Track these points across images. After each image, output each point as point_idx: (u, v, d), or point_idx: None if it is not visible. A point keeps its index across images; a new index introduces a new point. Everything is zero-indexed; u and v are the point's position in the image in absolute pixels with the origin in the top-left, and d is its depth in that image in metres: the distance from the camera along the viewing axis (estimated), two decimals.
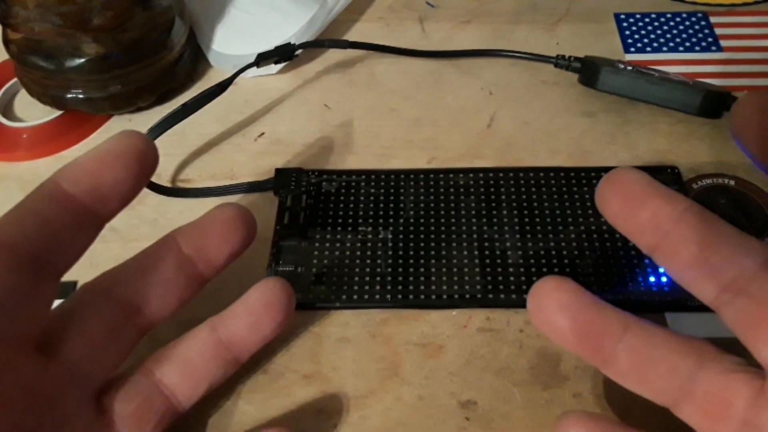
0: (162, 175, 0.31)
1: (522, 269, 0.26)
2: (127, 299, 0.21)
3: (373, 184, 0.29)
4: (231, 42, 0.36)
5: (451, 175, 0.29)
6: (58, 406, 0.19)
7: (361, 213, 0.28)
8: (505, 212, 0.28)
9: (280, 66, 0.34)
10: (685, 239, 0.18)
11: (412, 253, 0.26)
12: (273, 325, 0.22)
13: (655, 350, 0.19)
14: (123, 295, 0.21)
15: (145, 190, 0.29)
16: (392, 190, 0.29)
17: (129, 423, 0.20)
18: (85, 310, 0.20)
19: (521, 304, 0.25)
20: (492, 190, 0.28)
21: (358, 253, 0.27)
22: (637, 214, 0.19)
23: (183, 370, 0.21)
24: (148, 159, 0.20)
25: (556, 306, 0.19)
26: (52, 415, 0.18)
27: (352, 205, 0.28)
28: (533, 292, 0.20)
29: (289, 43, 0.33)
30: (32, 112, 0.34)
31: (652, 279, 0.25)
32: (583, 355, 0.20)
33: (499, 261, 0.26)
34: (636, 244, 0.20)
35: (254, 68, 0.33)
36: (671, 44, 0.36)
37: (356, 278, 0.26)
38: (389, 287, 0.25)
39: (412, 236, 0.27)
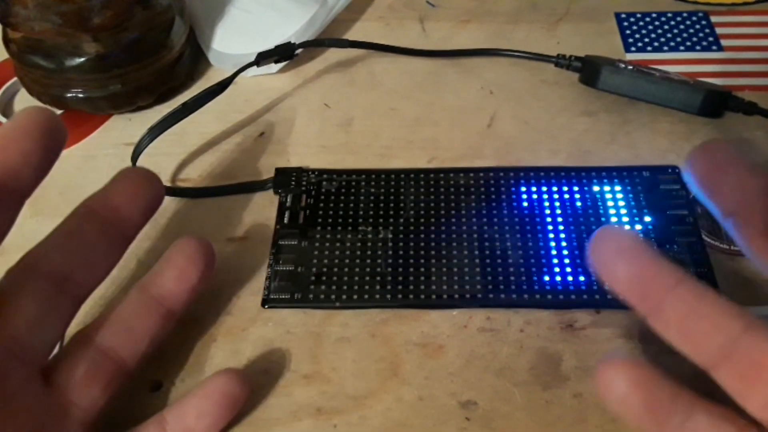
0: (162, 175, 0.30)
1: (522, 269, 0.26)
2: (56, 270, 0.21)
3: (373, 183, 0.29)
4: (231, 41, 0.35)
5: (451, 175, 0.29)
6: (4, 384, 0.19)
7: (361, 213, 0.28)
8: (505, 212, 0.28)
9: (280, 65, 0.34)
10: (765, 209, 0.18)
11: (412, 253, 0.26)
12: (198, 274, 0.23)
13: (703, 306, 0.19)
14: (49, 268, 0.21)
15: None
16: (392, 190, 0.29)
17: (77, 390, 0.21)
18: (15, 288, 0.20)
19: (521, 304, 0.25)
20: (492, 190, 0.28)
21: (358, 253, 0.26)
22: (722, 180, 0.19)
23: (121, 330, 0.22)
24: (54, 129, 0.20)
25: (615, 251, 0.19)
26: None
27: (352, 205, 0.28)
28: (595, 235, 0.20)
29: (289, 43, 0.33)
30: None
31: None
32: (632, 301, 0.19)
33: (499, 261, 0.26)
34: (715, 208, 0.20)
35: (254, 67, 0.33)
36: (672, 44, 0.36)
37: (356, 278, 0.26)
38: (389, 287, 0.25)
39: (412, 236, 0.27)
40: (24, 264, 0.21)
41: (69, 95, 0.32)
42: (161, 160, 0.31)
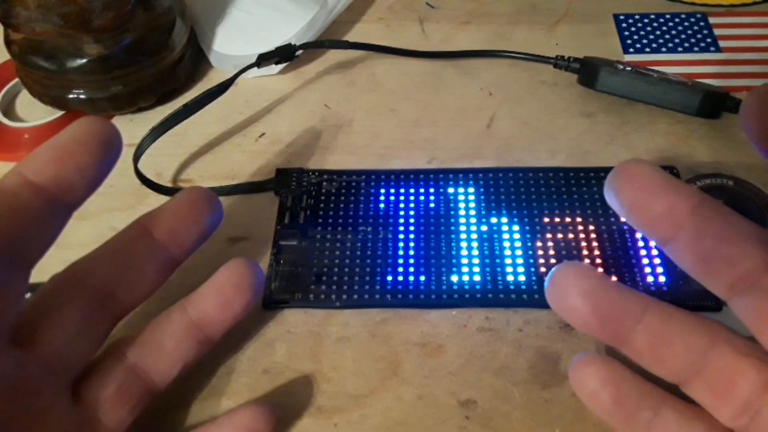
0: (163, 175, 0.31)
1: (522, 269, 0.26)
2: (101, 286, 0.21)
3: (373, 184, 0.29)
4: (232, 42, 0.36)
5: (451, 175, 0.29)
6: (35, 398, 0.19)
7: (361, 213, 0.28)
8: (505, 212, 0.28)
9: (280, 66, 0.35)
10: (701, 232, 0.18)
11: (412, 252, 0.27)
12: (243, 303, 0.22)
13: (671, 330, 0.19)
14: (96, 283, 0.20)
15: (147, 191, 0.29)
16: (392, 190, 0.29)
17: (106, 408, 0.20)
18: (59, 299, 0.20)
19: (521, 304, 0.25)
20: (492, 190, 0.29)
21: (358, 253, 0.27)
22: (651, 207, 0.18)
23: (156, 352, 0.21)
24: (112, 143, 0.20)
25: (577, 292, 0.19)
26: (28, 407, 0.18)
27: (352, 205, 0.28)
28: (552, 278, 0.20)
29: (289, 44, 0.33)
30: (33, 112, 0.34)
31: (650, 279, 0.25)
32: (602, 337, 0.20)
33: (498, 261, 0.26)
34: (649, 236, 0.20)
35: (255, 69, 0.33)
36: (670, 45, 0.36)
37: (356, 278, 0.26)
38: (389, 287, 0.26)
39: (412, 236, 0.27)
40: (70, 275, 0.20)
41: (70, 96, 0.32)
42: (162, 160, 0.31)
